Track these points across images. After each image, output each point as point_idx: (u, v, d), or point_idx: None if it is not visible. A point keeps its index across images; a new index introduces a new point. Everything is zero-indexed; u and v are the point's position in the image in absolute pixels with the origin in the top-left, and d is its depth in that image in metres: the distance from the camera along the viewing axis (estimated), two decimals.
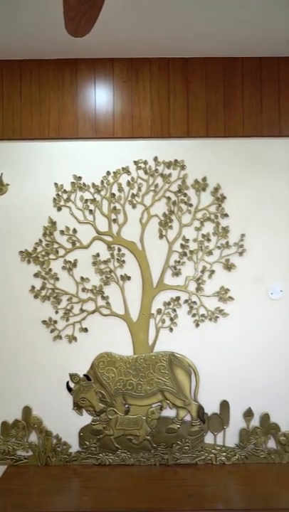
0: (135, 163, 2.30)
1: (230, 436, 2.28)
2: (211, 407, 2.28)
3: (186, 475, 2.17)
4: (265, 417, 2.27)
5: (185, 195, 2.29)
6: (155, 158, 2.29)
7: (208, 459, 2.26)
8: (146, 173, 2.29)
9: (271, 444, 2.28)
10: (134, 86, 2.30)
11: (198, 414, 2.25)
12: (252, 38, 2.13)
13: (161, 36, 2.09)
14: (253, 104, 2.30)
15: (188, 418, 2.27)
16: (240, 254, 2.29)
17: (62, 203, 2.30)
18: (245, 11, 1.90)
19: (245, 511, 1.88)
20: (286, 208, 2.31)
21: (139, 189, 2.29)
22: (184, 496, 1.96)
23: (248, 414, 2.27)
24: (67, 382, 2.28)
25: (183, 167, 2.29)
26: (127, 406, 2.27)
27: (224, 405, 2.27)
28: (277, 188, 2.31)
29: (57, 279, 2.29)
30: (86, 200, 2.30)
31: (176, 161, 2.29)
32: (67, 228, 2.30)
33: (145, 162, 2.29)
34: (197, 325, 2.28)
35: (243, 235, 2.29)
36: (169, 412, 2.28)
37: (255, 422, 2.29)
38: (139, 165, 2.29)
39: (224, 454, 2.26)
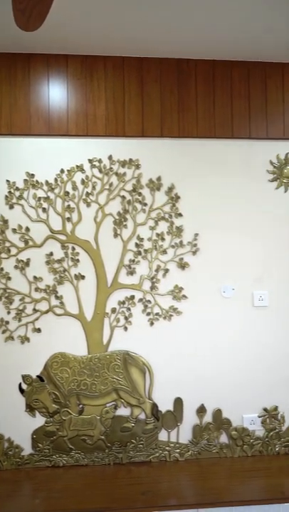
0: (90, 161, 2.28)
1: (183, 433, 2.31)
2: (165, 405, 2.30)
3: (140, 473, 2.18)
4: (217, 413, 2.32)
5: (140, 194, 2.30)
6: (110, 157, 2.29)
7: (162, 456, 2.28)
8: (100, 171, 2.28)
9: (223, 438, 2.34)
10: (89, 84, 2.28)
11: (153, 412, 2.27)
12: (205, 41, 2.16)
13: (116, 35, 2.09)
14: (207, 106, 2.34)
15: (142, 416, 2.28)
16: (194, 253, 2.32)
17: (14, 200, 2.25)
18: (198, 13, 1.93)
19: (197, 505, 1.91)
20: (238, 208, 2.36)
21: (94, 188, 2.28)
22: (137, 494, 1.96)
23: (201, 410, 2.31)
24: (20, 384, 2.23)
25: (138, 166, 2.30)
26: (81, 406, 2.25)
27: (178, 402, 2.30)
28: (230, 189, 2.36)
29: (9, 278, 2.24)
30: (39, 198, 2.26)
31: (130, 160, 2.29)
32: (20, 226, 2.25)
33: (100, 161, 2.28)
34: (152, 323, 2.30)
35: (196, 235, 2.33)
36: (123, 411, 2.28)
37: (208, 417, 2.33)
38: (94, 163, 2.28)
39: (178, 450, 2.29)
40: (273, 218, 2.39)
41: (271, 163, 2.40)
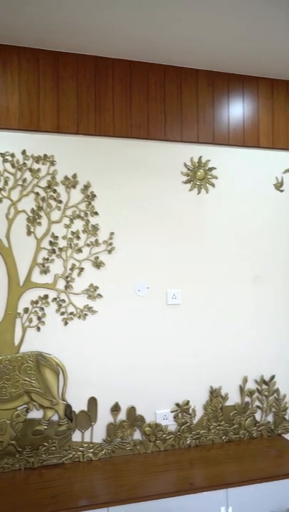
0: (1, 155, 2.18)
1: (97, 433, 2.30)
2: (80, 405, 2.28)
3: (53, 476, 2.13)
4: (131, 410, 2.35)
5: (54, 191, 2.25)
6: (23, 152, 2.21)
7: (75, 457, 2.25)
8: (13, 166, 2.20)
9: (137, 435, 2.37)
10: (2, 75, 2.19)
11: (66, 413, 2.23)
12: (123, 41, 2.17)
13: (31, 27, 2.02)
14: (123, 106, 2.35)
15: (55, 418, 2.24)
16: (109, 252, 2.33)
17: None
18: (115, 11, 1.92)
19: (108, 504, 1.92)
20: (154, 208, 2.41)
21: (6, 183, 2.19)
22: (47, 498, 1.92)
23: (115, 408, 2.32)
24: None
25: (53, 163, 2.25)
26: None
27: (92, 402, 2.29)
28: (145, 189, 2.40)
29: None
30: None
31: (45, 155, 2.24)
32: None
33: (12, 155, 2.20)
34: (66, 323, 2.26)
35: (112, 233, 2.33)
36: (35, 414, 2.22)
37: (122, 415, 2.35)
38: (6, 157, 2.19)
39: (91, 450, 2.28)
40: (187, 219, 2.47)
41: (185, 165, 2.47)
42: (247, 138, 2.57)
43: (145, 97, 2.40)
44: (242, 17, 1.97)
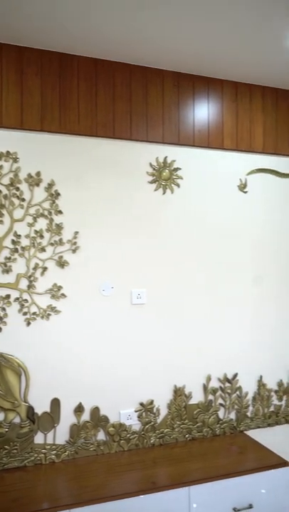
0: None
1: (60, 434, 2.27)
2: (42, 407, 2.25)
3: (14, 479, 2.09)
4: (95, 411, 2.33)
5: (17, 189, 2.20)
6: None
7: (37, 459, 2.22)
8: None
9: (101, 436, 2.35)
10: None
11: (28, 414, 2.19)
12: (88, 38, 2.15)
13: None
14: (89, 104, 2.34)
15: (17, 420, 2.20)
16: (74, 251, 2.30)
17: None
18: (80, 8, 1.90)
19: (70, 506, 1.89)
20: (119, 207, 2.40)
21: None
22: (7, 502, 1.88)
23: (79, 409, 2.30)
24: None
25: (16, 160, 2.20)
26: None
27: (55, 403, 2.26)
28: (110, 188, 2.39)
29: None
30: None
31: (8, 152, 2.19)
32: None
33: None
34: (28, 323, 2.22)
35: (76, 233, 2.31)
36: None
37: (86, 416, 2.33)
38: None
39: (54, 452, 2.25)
40: (152, 218, 2.48)
41: (151, 165, 2.48)
42: (212, 139, 2.61)
43: (111, 96, 2.39)
44: (207, 19, 1.99)
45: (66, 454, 2.27)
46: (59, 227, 2.27)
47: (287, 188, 2.81)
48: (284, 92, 2.79)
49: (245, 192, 2.70)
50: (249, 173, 2.72)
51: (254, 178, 2.73)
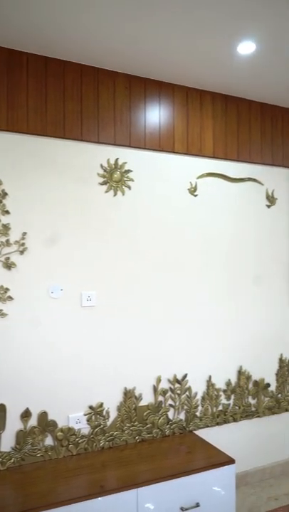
0: None
1: (6, 441, 2.21)
2: None
3: None
4: (42, 415, 2.28)
5: None
6: None
7: None
8: None
9: (49, 441, 2.31)
10: None
11: None
12: (37, 35, 2.11)
13: None
14: (38, 103, 2.29)
15: None
16: (21, 252, 2.24)
17: None
18: (29, 4, 1.86)
19: None
20: (68, 208, 2.37)
21: None
22: None
23: (26, 414, 2.24)
24: None
25: None
26: None
27: (0, 409, 2.19)
28: (60, 188, 2.35)
29: None
30: None
31: None
32: None
33: None
34: None
35: (24, 233, 2.25)
36: None
37: (33, 421, 2.27)
38: None
39: None
40: (103, 220, 2.46)
41: (102, 167, 2.47)
42: (163, 143, 2.63)
43: (61, 95, 2.35)
44: (159, 23, 2.01)
45: (12, 461, 2.20)
46: (6, 227, 2.21)
47: (235, 192, 2.89)
48: (233, 98, 2.87)
49: (196, 195, 2.75)
50: (199, 177, 2.77)
51: (204, 182, 2.78)
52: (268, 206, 3.02)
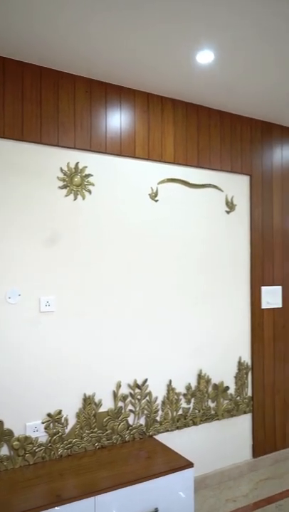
0: None
1: None
2: None
3: None
4: None
5: None
6: None
7: None
8: None
9: (4, 451, 2.24)
10: None
11: None
12: None
13: None
14: None
15: None
16: None
17: None
18: None
19: None
20: (27, 212, 2.33)
21: None
22: None
23: None
24: None
25: None
26: None
27: None
28: (18, 192, 2.30)
29: None
30: None
31: None
32: None
33: None
34: None
35: None
36: None
37: None
38: None
39: None
40: (63, 224, 2.43)
41: (61, 170, 2.44)
42: (124, 147, 2.64)
43: (20, 97, 2.31)
44: (119, 27, 2.01)
45: None
46: None
47: (195, 197, 2.93)
48: (193, 106, 2.91)
49: (156, 200, 2.77)
50: (160, 183, 2.79)
51: (165, 187, 2.80)
52: (228, 212, 3.08)
